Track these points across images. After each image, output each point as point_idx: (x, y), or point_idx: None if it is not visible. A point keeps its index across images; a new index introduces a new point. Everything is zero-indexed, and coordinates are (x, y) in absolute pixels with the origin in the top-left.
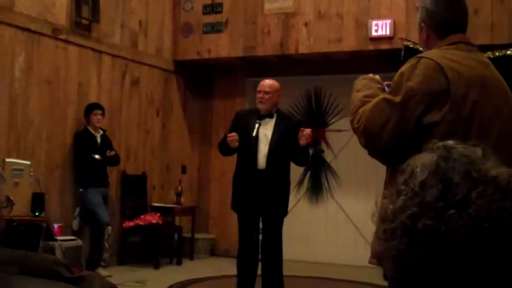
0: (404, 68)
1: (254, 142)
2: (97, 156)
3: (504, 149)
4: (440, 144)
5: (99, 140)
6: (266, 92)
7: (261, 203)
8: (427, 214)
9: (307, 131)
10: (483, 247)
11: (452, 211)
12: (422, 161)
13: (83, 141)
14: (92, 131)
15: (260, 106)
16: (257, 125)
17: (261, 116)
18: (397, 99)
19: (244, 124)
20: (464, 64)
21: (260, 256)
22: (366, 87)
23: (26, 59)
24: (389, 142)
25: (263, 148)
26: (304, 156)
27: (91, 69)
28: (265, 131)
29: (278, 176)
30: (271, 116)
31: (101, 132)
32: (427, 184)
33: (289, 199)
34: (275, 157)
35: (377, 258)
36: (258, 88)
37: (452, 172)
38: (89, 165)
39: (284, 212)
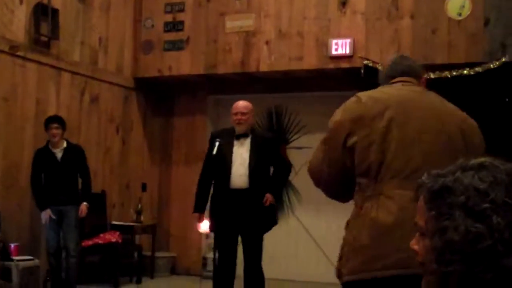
0: None
1: (215, 161)
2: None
3: (442, 156)
4: (476, 161)
5: (59, 155)
6: (243, 113)
7: (240, 221)
8: None
9: (269, 198)
10: None
11: None
12: (483, 178)
13: (39, 159)
14: (51, 148)
15: (239, 128)
16: (217, 143)
17: (238, 136)
18: (326, 135)
19: (221, 144)
20: (385, 92)
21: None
22: None
23: None
24: (330, 174)
25: (238, 168)
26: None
27: (49, 86)
28: (241, 151)
29: (260, 194)
30: (246, 136)
31: (65, 145)
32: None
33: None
34: (256, 176)
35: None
36: (234, 111)
37: None
38: (41, 183)
39: (265, 228)
